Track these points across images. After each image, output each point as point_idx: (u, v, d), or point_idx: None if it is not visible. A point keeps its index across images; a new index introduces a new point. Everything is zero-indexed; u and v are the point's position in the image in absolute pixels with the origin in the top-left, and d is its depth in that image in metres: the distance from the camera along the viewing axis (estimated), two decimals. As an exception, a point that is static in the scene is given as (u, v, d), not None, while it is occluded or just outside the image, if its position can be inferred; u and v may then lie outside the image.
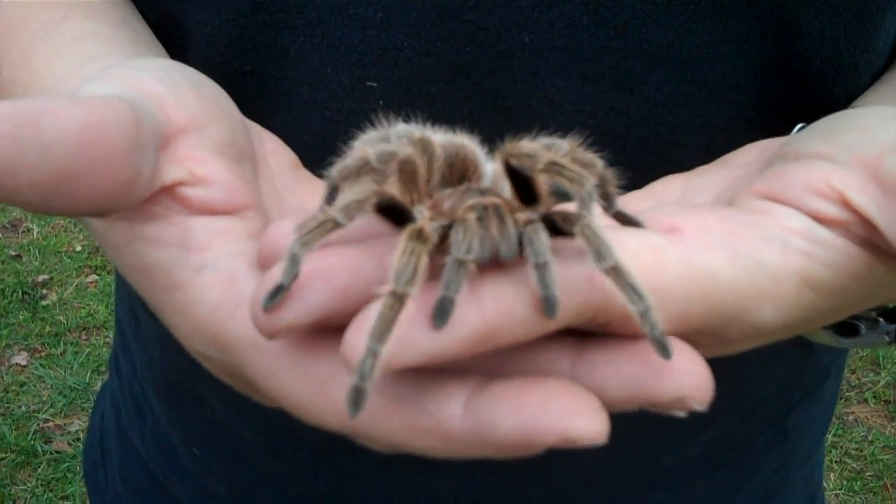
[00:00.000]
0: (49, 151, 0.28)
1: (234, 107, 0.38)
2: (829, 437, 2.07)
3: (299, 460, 0.56)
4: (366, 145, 0.35)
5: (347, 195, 0.30)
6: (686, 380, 0.28)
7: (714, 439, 0.56)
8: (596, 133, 0.42)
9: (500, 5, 0.41)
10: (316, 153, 0.40)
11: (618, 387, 0.29)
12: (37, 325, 2.41)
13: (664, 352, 0.28)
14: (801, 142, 0.36)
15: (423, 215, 0.31)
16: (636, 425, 0.54)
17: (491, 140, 0.35)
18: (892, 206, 0.31)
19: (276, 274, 0.29)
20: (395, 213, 0.31)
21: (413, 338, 0.28)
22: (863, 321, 0.44)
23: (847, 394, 2.19)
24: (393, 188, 0.32)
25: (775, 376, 0.57)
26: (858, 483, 2.00)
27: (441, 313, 0.27)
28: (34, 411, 2.17)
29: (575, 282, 0.29)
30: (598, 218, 0.31)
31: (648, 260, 0.31)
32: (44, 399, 2.21)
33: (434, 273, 0.28)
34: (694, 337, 0.31)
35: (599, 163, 0.32)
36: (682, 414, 0.29)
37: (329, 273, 0.30)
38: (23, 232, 2.73)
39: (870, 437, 2.09)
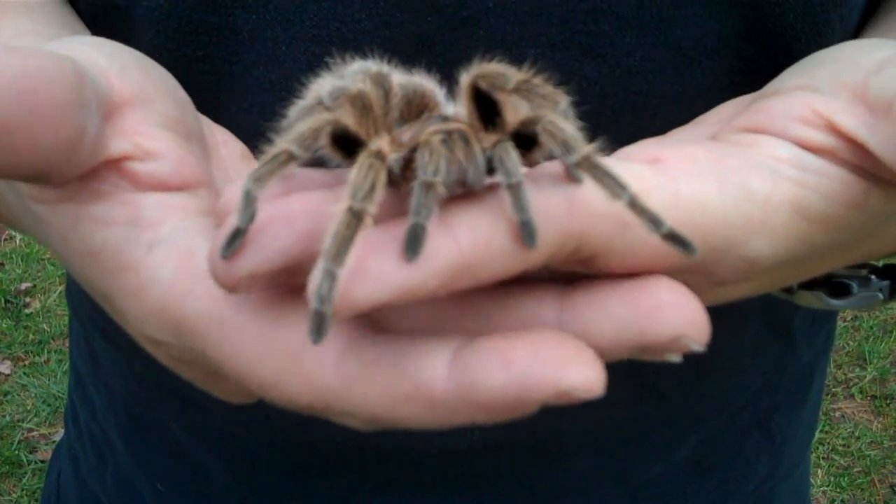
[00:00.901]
0: None
1: (181, 89, 0.36)
2: (817, 434, 2.07)
3: (266, 488, 0.54)
4: (320, 85, 0.33)
5: (301, 125, 0.28)
6: (682, 317, 0.26)
7: (701, 442, 0.56)
8: None
9: None
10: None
11: (609, 331, 0.27)
12: (20, 333, 2.39)
13: (681, 245, 0.27)
14: (779, 81, 0.35)
15: (382, 141, 0.29)
16: (623, 429, 0.54)
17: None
18: (882, 125, 0.30)
19: (232, 219, 0.27)
20: (353, 147, 0.29)
21: (384, 271, 0.25)
22: (854, 280, 0.43)
23: (833, 389, 2.20)
24: (349, 122, 0.30)
25: (759, 371, 0.56)
26: (846, 479, 2.00)
27: (413, 242, 0.25)
28: (18, 421, 2.15)
29: (553, 208, 0.27)
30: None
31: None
32: (28, 408, 2.18)
33: (400, 209, 0.26)
34: (684, 276, 0.29)
35: (562, 94, 0.30)
36: (676, 358, 0.27)
37: (291, 217, 0.27)
38: (5, 240, 2.70)
39: (857, 433, 2.09)
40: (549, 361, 0.25)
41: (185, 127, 0.34)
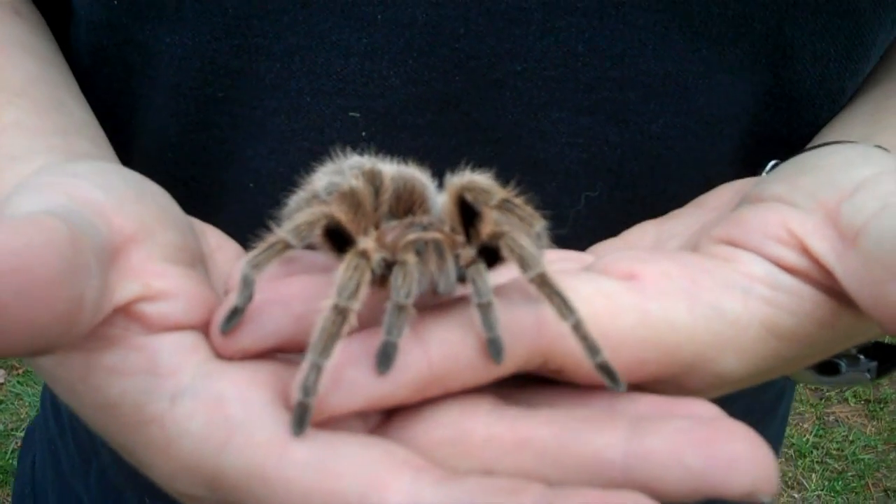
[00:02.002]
0: None
1: (177, 206, 0.35)
2: (811, 438, 2.08)
3: None
4: (318, 178, 0.35)
5: (298, 216, 0.30)
6: (757, 471, 0.25)
7: None
8: (589, 166, 0.42)
9: (491, 33, 0.40)
10: (294, 186, 0.38)
11: (680, 480, 0.26)
12: (14, 341, 2.38)
13: (611, 379, 0.28)
14: (765, 184, 0.35)
15: (364, 246, 0.31)
16: None
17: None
18: (849, 255, 0.30)
19: (232, 297, 0.29)
20: (342, 242, 0.31)
21: (357, 382, 0.28)
22: (843, 359, 0.44)
23: (827, 394, 2.20)
24: (342, 217, 0.32)
25: (739, 401, 0.57)
26: (840, 483, 2.00)
27: (384, 358, 0.27)
28: (12, 429, 2.15)
29: (522, 325, 0.29)
30: (557, 257, 0.30)
31: (601, 306, 0.30)
32: (22, 417, 2.18)
33: (377, 314, 0.28)
34: (654, 386, 0.31)
35: (539, 218, 0.31)
36: None
37: (287, 300, 0.30)
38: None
39: (850, 437, 2.10)
40: None
41: (189, 253, 0.33)
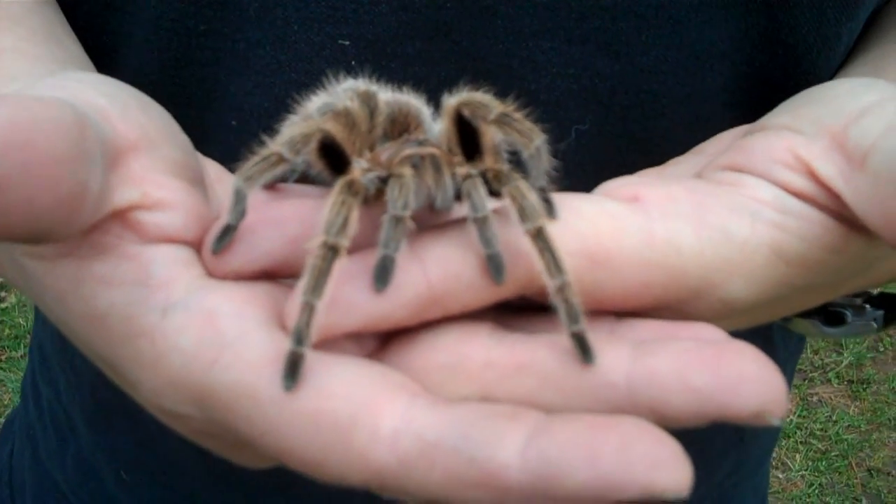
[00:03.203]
0: None
1: (181, 130, 0.34)
2: (794, 419, 2.10)
3: (242, 482, 0.52)
4: (313, 101, 0.34)
5: (292, 129, 0.29)
6: (765, 392, 0.25)
7: (674, 434, 0.56)
8: (578, 98, 0.41)
9: None
10: (279, 121, 0.38)
11: (689, 403, 0.25)
12: (-4, 328, 2.37)
13: (583, 351, 0.26)
14: (769, 116, 0.35)
15: (359, 166, 0.30)
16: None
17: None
18: (857, 177, 0.30)
19: (224, 215, 0.28)
20: (336, 159, 0.30)
21: (354, 301, 0.27)
22: (848, 309, 0.43)
23: (811, 375, 2.22)
24: (337, 133, 0.31)
25: None
26: (824, 463, 2.02)
27: (382, 273, 0.27)
28: (-6, 416, 2.13)
29: (523, 245, 0.28)
30: (540, 179, 0.30)
31: (605, 227, 0.29)
32: (5, 403, 2.16)
33: (374, 234, 0.28)
34: (659, 312, 0.30)
35: (539, 132, 0.30)
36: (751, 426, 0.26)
37: (281, 220, 0.29)
38: (-21, 234, 2.67)
39: (834, 417, 2.11)
40: (640, 460, 0.23)
41: (191, 171, 0.32)
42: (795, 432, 2.07)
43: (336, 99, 0.33)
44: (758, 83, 0.44)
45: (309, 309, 0.26)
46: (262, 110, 0.42)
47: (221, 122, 0.43)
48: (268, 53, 0.41)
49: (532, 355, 0.27)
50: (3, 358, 2.29)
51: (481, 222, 0.27)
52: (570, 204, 0.29)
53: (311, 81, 0.39)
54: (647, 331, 0.29)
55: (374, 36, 0.41)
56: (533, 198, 0.27)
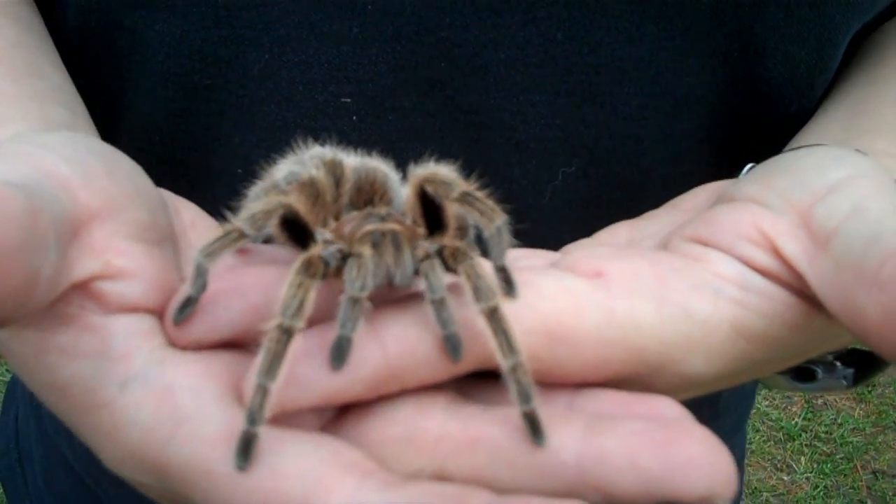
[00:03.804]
0: None
1: (150, 182, 0.34)
2: (800, 422, 2.09)
3: None
4: (279, 168, 0.35)
5: (254, 206, 0.30)
6: (714, 474, 0.25)
7: None
8: (566, 144, 0.43)
9: (476, 22, 0.40)
10: None
11: (635, 483, 0.25)
12: None
13: (534, 431, 0.26)
14: (739, 185, 0.35)
15: (322, 238, 0.31)
16: None
17: (464, 153, 0.35)
18: (820, 259, 0.30)
19: (185, 287, 0.29)
20: (299, 233, 0.30)
21: (311, 378, 0.27)
22: (819, 366, 0.43)
23: (816, 377, 2.21)
24: (300, 207, 0.31)
25: None
26: (829, 465, 2.02)
27: (338, 352, 0.27)
28: None
29: (481, 323, 0.28)
30: (524, 256, 0.30)
31: (565, 304, 0.30)
32: (7, 367, 2.18)
33: (333, 307, 0.28)
34: (619, 384, 0.30)
35: (500, 212, 0.30)
36: None
37: (243, 290, 0.29)
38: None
39: (839, 420, 2.11)
40: None
41: (156, 231, 0.32)
42: (800, 435, 2.07)
43: (302, 167, 0.33)
44: (732, 123, 0.45)
45: (262, 391, 0.26)
46: (269, 160, 0.43)
47: (227, 169, 0.44)
48: (272, 111, 0.43)
49: (485, 431, 0.28)
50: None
51: (438, 304, 0.27)
52: (530, 281, 0.30)
53: (315, 136, 0.39)
54: (605, 403, 0.29)
55: (374, 92, 0.42)
56: (488, 277, 0.28)
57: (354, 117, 0.42)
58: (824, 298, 0.29)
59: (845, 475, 2.00)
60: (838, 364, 0.43)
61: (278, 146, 0.42)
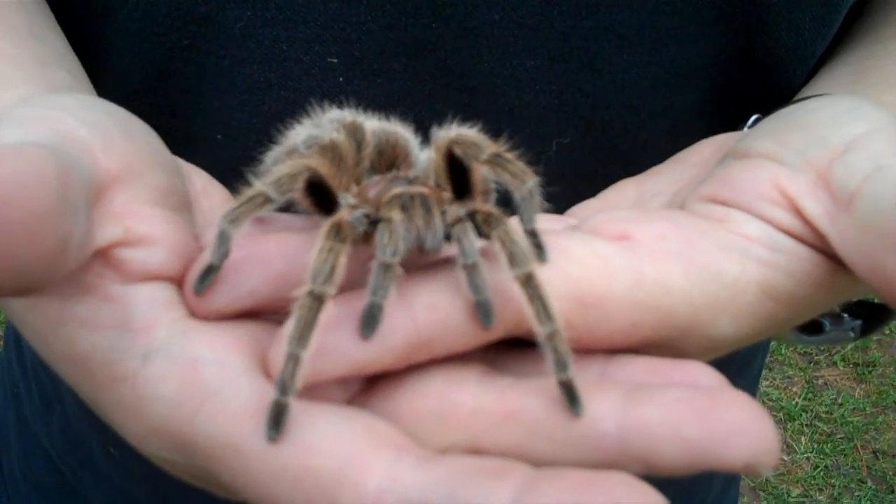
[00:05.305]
0: None
1: (165, 146, 0.33)
2: (800, 402, 2.10)
3: None
4: (297, 132, 0.34)
5: (279, 169, 0.29)
6: (757, 443, 0.24)
7: None
8: (560, 113, 0.42)
9: None
10: (270, 137, 0.37)
11: (678, 452, 0.24)
12: None
13: (571, 401, 0.26)
14: (750, 139, 0.35)
15: (346, 203, 0.30)
16: None
17: (454, 119, 0.33)
18: (843, 220, 0.29)
19: (206, 254, 0.28)
20: (323, 197, 0.29)
21: (340, 347, 0.26)
22: (827, 318, 0.43)
23: (816, 357, 2.22)
24: (324, 170, 0.30)
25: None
26: (829, 445, 2.02)
27: (369, 321, 0.26)
28: None
29: (512, 289, 0.27)
30: (539, 221, 0.29)
31: (595, 269, 0.29)
32: None
33: (362, 272, 0.27)
34: (648, 349, 0.30)
35: (532, 174, 0.30)
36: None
37: (266, 258, 0.28)
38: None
39: (839, 400, 2.11)
40: None
41: (176, 197, 0.31)
42: (801, 415, 2.07)
43: (321, 130, 0.32)
44: (733, 95, 0.44)
45: (294, 359, 0.25)
46: (250, 127, 0.41)
47: (207, 136, 0.43)
48: (255, 72, 0.41)
49: (521, 403, 0.27)
50: None
51: (471, 269, 0.27)
52: (560, 245, 0.29)
53: (299, 99, 0.38)
54: (638, 370, 0.28)
55: (361, 53, 0.40)
56: (522, 243, 0.27)
57: (341, 78, 0.41)
58: (849, 260, 0.29)
59: (845, 455, 2.01)
60: (846, 316, 0.42)
61: (260, 110, 0.41)
